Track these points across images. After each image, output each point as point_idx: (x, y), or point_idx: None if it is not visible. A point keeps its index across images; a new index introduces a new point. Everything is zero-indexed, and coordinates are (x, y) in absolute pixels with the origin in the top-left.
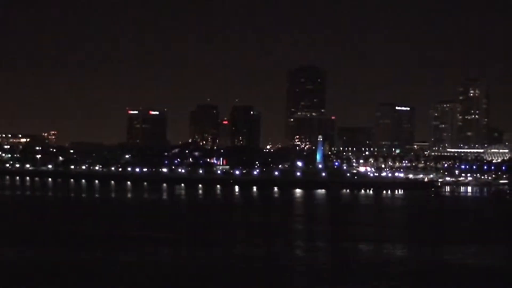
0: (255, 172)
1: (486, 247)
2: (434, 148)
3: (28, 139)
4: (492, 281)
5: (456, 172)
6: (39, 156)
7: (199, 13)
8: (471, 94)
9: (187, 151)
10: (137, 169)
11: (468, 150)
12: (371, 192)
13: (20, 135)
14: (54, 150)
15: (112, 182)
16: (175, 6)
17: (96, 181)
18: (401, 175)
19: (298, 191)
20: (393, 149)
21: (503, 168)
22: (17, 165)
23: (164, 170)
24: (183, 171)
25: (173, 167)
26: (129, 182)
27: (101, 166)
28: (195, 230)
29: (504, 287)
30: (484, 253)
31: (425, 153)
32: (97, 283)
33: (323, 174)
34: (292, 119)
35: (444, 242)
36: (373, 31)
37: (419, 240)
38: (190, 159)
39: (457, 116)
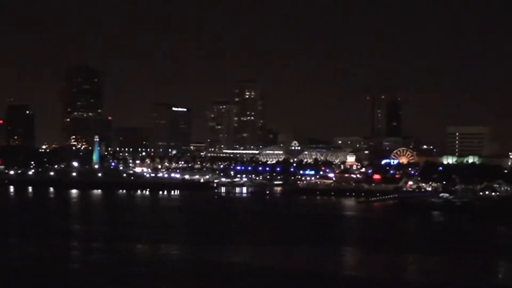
0: (30, 172)
1: (264, 248)
2: (210, 149)
3: None
4: (272, 280)
5: (232, 173)
6: None
7: None
8: (247, 96)
9: None
10: None
11: (244, 151)
12: (147, 192)
13: None
14: None
15: None
16: None
17: None
18: (178, 175)
19: (74, 191)
20: (170, 150)
21: (278, 169)
22: None
23: None
24: None
25: None
26: None
27: None
28: None
29: (282, 286)
30: (263, 254)
31: (202, 154)
32: None
33: (100, 174)
34: (68, 119)
35: (222, 242)
36: (147, 30)
37: (196, 240)
38: None
39: (233, 117)
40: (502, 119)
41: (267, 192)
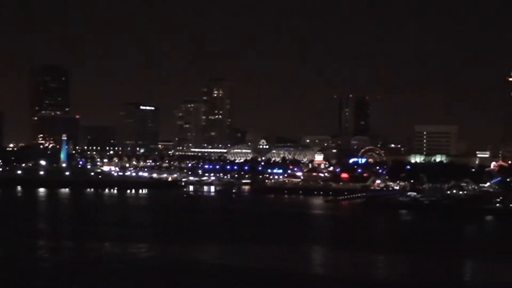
0: None
1: (232, 246)
2: (178, 148)
3: None
4: (239, 279)
5: (200, 171)
6: None
7: None
8: (215, 95)
9: None
10: None
11: (212, 150)
12: (115, 191)
13: None
14: None
15: None
16: None
17: None
18: (146, 174)
19: (42, 190)
20: (138, 149)
21: (246, 168)
22: None
23: None
24: None
25: None
26: None
27: None
28: None
29: (252, 286)
30: (231, 252)
31: (170, 152)
32: None
33: (67, 173)
34: (36, 118)
35: (190, 241)
36: (115, 29)
37: (164, 239)
38: None
39: (201, 116)
40: (469, 118)
41: (235, 190)
